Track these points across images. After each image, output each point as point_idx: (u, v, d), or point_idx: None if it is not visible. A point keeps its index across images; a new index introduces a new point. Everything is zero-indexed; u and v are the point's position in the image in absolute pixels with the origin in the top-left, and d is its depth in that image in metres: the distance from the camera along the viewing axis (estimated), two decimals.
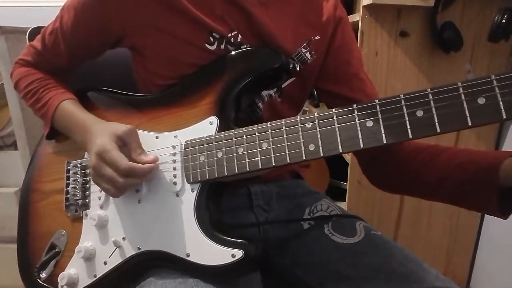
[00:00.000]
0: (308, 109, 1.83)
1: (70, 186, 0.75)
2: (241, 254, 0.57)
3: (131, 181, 0.62)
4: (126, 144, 0.64)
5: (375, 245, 0.72)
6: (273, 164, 0.57)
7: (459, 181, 0.62)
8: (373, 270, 0.67)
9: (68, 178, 0.76)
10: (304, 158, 0.54)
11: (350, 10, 1.47)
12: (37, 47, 0.79)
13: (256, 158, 0.58)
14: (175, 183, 0.64)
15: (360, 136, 0.51)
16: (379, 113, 0.50)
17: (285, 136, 0.56)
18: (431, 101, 0.47)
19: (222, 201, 0.67)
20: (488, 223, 1.47)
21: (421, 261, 0.69)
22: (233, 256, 0.57)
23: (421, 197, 0.73)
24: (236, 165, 0.59)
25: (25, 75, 0.80)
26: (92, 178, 0.66)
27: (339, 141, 0.52)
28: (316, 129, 0.54)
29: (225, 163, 0.60)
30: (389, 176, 0.77)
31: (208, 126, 0.64)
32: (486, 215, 1.47)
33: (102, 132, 0.65)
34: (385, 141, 0.49)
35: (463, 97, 0.45)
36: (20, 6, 2.01)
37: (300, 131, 0.55)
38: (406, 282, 0.64)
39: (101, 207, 0.70)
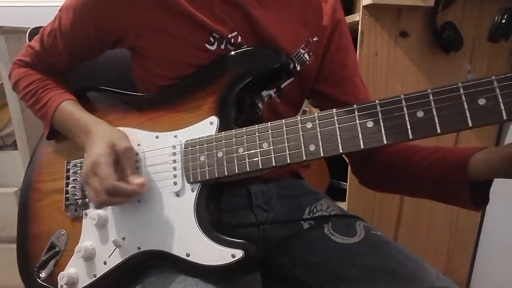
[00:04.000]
0: (308, 109, 1.83)
1: (70, 185, 0.74)
2: (241, 254, 0.57)
3: (113, 200, 0.62)
4: (120, 161, 0.64)
5: (375, 245, 0.72)
6: (273, 164, 0.57)
7: (434, 179, 0.64)
8: (373, 270, 0.67)
9: (67, 177, 0.76)
10: (304, 158, 0.54)
11: (350, 10, 1.46)
12: (36, 48, 0.78)
13: (256, 158, 0.58)
14: (175, 183, 0.64)
15: (360, 136, 0.51)
16: (379, 113, 0.50)
17: (285, 136, 0.56)
18: (432, 102, 0.47)
19: (222, 201, 0.67)
20: (488, 223, 1.47)
21: (421, 261, 0.69)
22: (233, 256, 0.57)
23: (408, 195, 0.78)
24: (236, 165, 0.59)
25: (23, 76, 0.79)
26: (82, 182, 0.66)
27: (339, 141, 0.52)
28: (316, 129, 0.54)
29: (225, 163, 0.60)
30: (375, 175, 0.79)
31: (208, 126, 0.64)
32: (486, 215, 1.47)
33: (101, 139, 0.65)
34: (385, 142, 0.49)
35: (463, 98, 0.45)
36: (20, 6, 2.01)
37: (300, 131, 0.55)
38: (406, 282, 0.64)
39: None
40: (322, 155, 0.53)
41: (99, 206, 0.65)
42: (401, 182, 0.73)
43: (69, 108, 0.75)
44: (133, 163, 0.66)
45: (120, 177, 0.62)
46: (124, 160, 0.64)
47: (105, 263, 0.67)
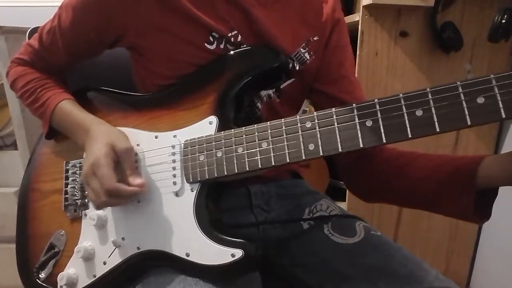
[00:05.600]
0: (307, 108, 1.83)
1: (69, 186, 0.74)
2: (241, 254, 0.57)
3: (113, 201, 0.62)
4: (120, 162, 0.64)
5: (374, 245, 0.72)
6: (273, 164, 0.56)
7: (437, 183, 0.62)
8: (373, 270, 0.67)
9: (67, 178, 0.76)
10: (303, 158, 0.54)
11: (350, 10, 1.46)
12: (34, 46, 0.78)
13: (256, 158, 0.58)
14: (174, 183, 0.64)
15: (359, 135, 0.51)
16: (378, 112, 0.50)
17: (284, 135, 0.56)
18: (431, 101, 0.47)
19: (221, 201, 0.67)
20: (488, 224, 1.47)
21: (421, 261, 0.69)
22: (232, 255, 0.57)
23: (396, 203, 0.76)
24: (235, 164, 0.59)
25: (22, 75, 0.79)
26: (82, 182, 0.66)
27: (338, 140, 0.52)
28: (315, 128, 0.54)
29: (224, 163, 0.60)
30: (365, 180, 0.77)
31: (207, 126, 0.64)
32: None
33: (101, 139, 0.65)
34: (384, 141, 0.49)
35: (462, 97, 0.45)
36: (20, 6, 2.01)
37: (299, 131, 0.55)
38: (406, 282, 0.64)
39: None
40: (321, 154, 0.53)
41: (99, 207, 0.65)
42: (396, 188, 0.71)
43: (68, 107, 0.75)
44: (133, 164, 0.66)
45: (120, 178, 0.62)
46: (124, 161, 0.64)
47: (104, 263, 0.67)
